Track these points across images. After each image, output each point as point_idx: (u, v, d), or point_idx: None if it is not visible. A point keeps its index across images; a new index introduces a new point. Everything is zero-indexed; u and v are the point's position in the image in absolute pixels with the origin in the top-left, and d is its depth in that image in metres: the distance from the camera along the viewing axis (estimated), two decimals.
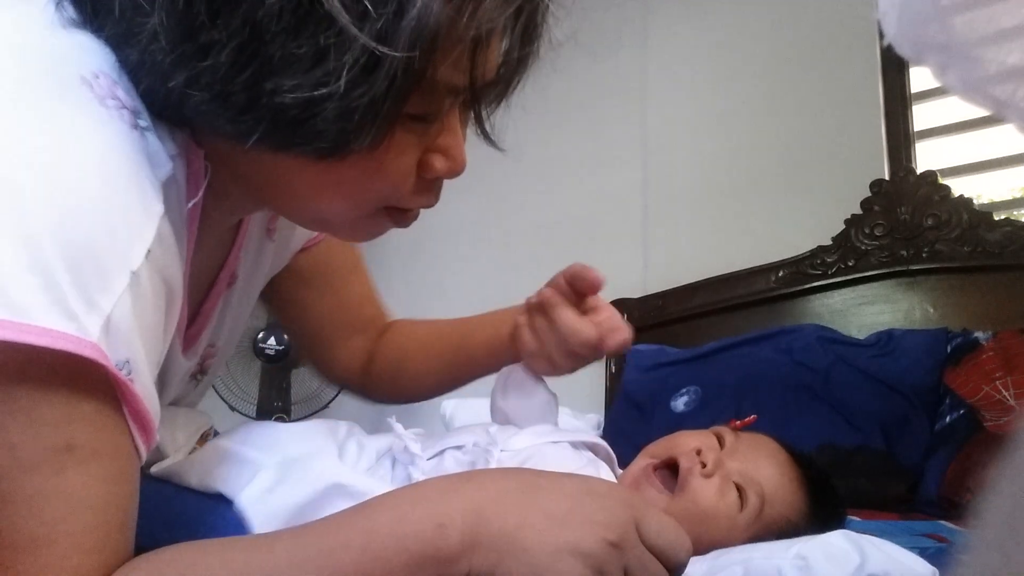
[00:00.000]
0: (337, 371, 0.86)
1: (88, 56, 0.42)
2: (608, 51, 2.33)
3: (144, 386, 0.41)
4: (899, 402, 1.41)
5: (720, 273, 1.90)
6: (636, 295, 2.04)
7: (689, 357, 1.77)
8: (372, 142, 0.44)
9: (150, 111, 0.44)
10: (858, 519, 1.00)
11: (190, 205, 0.47)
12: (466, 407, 1.25)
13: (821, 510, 0.69)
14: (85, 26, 0.43)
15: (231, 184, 0.51)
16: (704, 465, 0.66)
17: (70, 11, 0.43)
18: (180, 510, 0.55)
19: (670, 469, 0.68)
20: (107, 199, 0.38)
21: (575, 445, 0.69)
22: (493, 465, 0.63)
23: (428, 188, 0.51)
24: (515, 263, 2.34)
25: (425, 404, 0.88)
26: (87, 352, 0.36)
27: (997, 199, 1.78)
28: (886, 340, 1.54)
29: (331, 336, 0.83)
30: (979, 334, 1.43)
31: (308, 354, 0.86)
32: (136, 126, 0.42)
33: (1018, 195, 1.76)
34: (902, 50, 0.33)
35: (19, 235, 0.35)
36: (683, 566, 0.45)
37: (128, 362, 0.39)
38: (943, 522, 1.02)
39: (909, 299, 1.67)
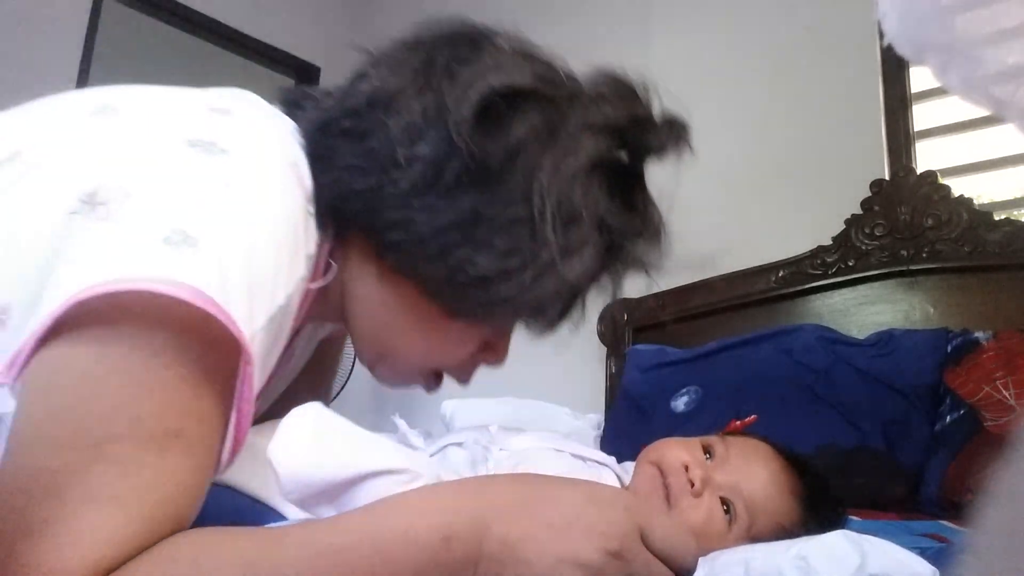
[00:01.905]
0: None
1: (290, 148, 0.52)
2: (609, 52, 2.32)
3: (253, 399, 0.45)
4: (899, 402, 1.41)
5: (720, 273, 1.90)
6: (636, 295, 2.04)
7: (689, 357, 1.77)
8: (495, 327, 0.57)
9: (329, 208, 0.53)
10: (858, 519, 1.00)
11: (313, 286, 0.54)
12: (466, 407, 1.25)
13: (817, 517, 0.68)
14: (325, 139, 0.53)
15: (339, 292, 0.59)
16: (693, 484, 0.65)
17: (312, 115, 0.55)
18: None
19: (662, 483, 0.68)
20: (284, 250, 0.47)
21: (577, 457, 0.69)
22: (492, 463, 0.63)
23: (471, 369, 0.62)
24: None
25: (426, 404, 0.88)
26: (245, 349, 0.42)
27: (997, 199, 1.78)
28: (886, 340, 1.54)
29: None
30: (979, 334, 1.43)
31: None
32: (307, 211, 0.51)
33: (1018, 195, 1.75)
34: (902, 50, 0.33)
35: (237, 248, 0.44)
36: (690, 570, 0.45)
37: (254, 376, 0.44)
38: (943, 522, 1.02)
39: (909, 299, 1.67)
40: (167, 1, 2.70)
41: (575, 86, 0.56)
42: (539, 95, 0.52)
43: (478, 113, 0.50)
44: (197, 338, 0.42)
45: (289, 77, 3.12)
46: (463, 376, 0.63)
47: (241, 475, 0.58)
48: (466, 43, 0.54)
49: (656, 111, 0.57)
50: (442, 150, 0.50)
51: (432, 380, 0.62)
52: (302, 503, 0.49)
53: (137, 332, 0.41)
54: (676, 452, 0.68)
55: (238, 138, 0.49)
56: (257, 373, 0.45)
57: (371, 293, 0.57)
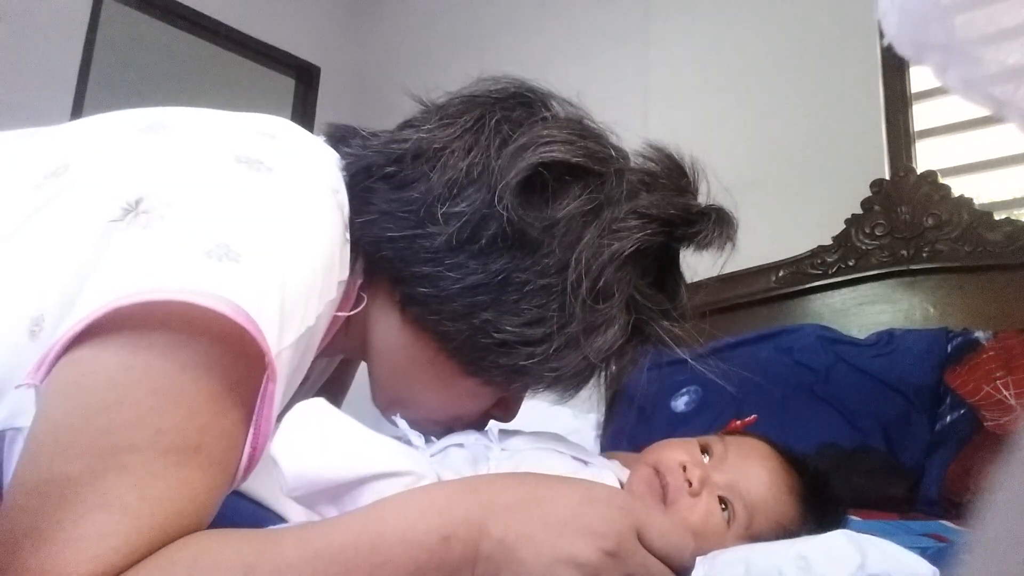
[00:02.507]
0: None
1: (332, 175, 0.53)
2: (609, 52, 2.33)
3: (273, 418, 0.45)
4: (899, 402, 1.41)
5: (720, 273, 1.90)
6: None
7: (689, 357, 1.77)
8: (514, 391, 0.57)
9: (362, 249, 0.54)
10: (858, 519, 1.00)
11: (341, 314, 0.54)
12: None
13: (817, 515, 0.68)
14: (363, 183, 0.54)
15: (360, 331, 0.59)
16: (690, 483, 0.65)
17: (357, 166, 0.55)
18: None
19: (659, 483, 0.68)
20: (320, 273, 0.47)
21: (577, 459, 0.69)
22: (492, 462, 0.63)
23: (482, 423, 0.63)
24: None
25: None
26: (272, 367, 0.42)
27: (997, 199, 1.78)
28: (886, 340, 1.54)
29: None
30: (979, 334, 1.43)
31: None
32: (344, 237, 0.51)
33: (1018, 195, 1.75)
34: (902, 50, 0.33)
35: (277, 266, 0.44)
36: (689, 569, 0.45)
37: (276, 395, 0.44)
38: (943, 522, 1.02)
39: (909, 299, 1.67)
40: (167, 1, 2.70)
41: (624, 163, 0.56)
42: (588, 172, 0.52)
43: (524, 183, 0.50)
44: (227, 352, 0.42)
45: (289, 77, 3.13)
46: (473, 428, 0.63)
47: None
48: (520, 105, 0.54)
49: (703, 198, 0.58)
50: (481, 211, 0.50)
51: (442, 429, 0.62)
52: (304, 500, 0.49)
53: (168, 343, 0.41)
54: (673, 453, 0.68)
55: (284, 159, 0.49)
56: (280, 392, 0.45)
57: (391, 339, 0.57)
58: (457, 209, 0.50)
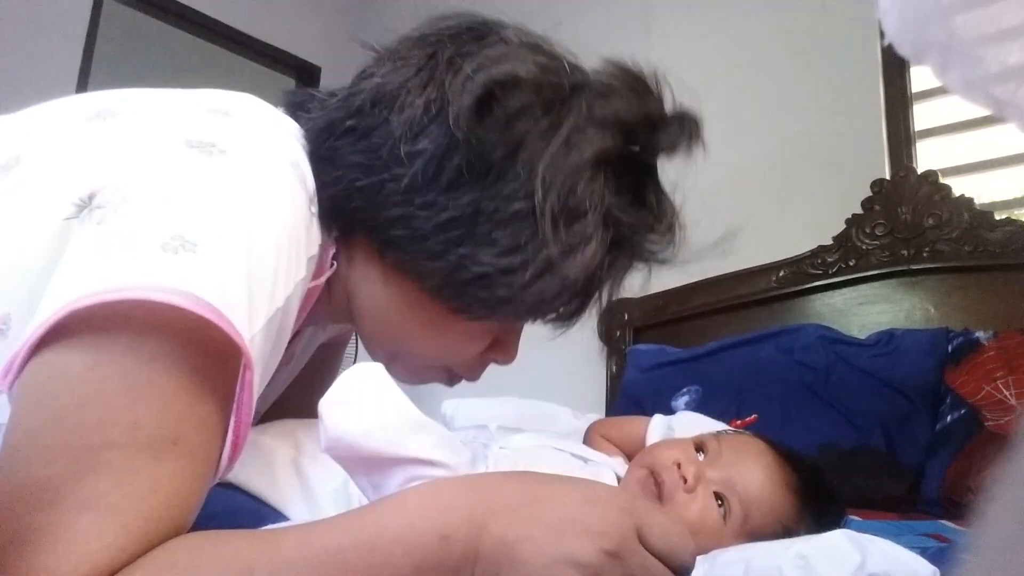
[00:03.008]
0: None
1: (291, 146, 0.52)
2: (608, 52, 2.33)
3: (253, 405, 0.45)
4: (900, 402, 1.41)
5: (720, 273, 1.90)
6: (636, 295, 2.04)
7: (689, 357, 1.77)
8: (503, 324, 0.56)
9: (324, 210, 0.53)
10: (858, 519, 1.00)
11: (312, 284, 0.54)
12: (466, 407, 1.25)
13: (814, 510, 0.68)
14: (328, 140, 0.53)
15: (343, 292, 0.58)
16: (685, 480, 0.65)
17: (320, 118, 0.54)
18: None
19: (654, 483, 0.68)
20: (284, 251, 0.46)
21: (576, 457, 0.69)
22: (491, 460, 0.63)
23: (481, 367, 0.62)
24: None
25: (426, 404, 0.88)
26: (245, 355, 0.41)
27: (997, 199, 1.78)
28: (887, 340, 1.54)
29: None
30: (980, 334, 1.43)
31: None
32: (309, 211, 0.51)
33: (1018, 195, 1.75)
34: (902, 50, 0.33)
35: (237, 251, 0.43)
36: (689, 569, 0.45)
37: (253, 381, 0.44)
38: (944, 522, 1.02)
39: (910, 299, 1.67)
40: (167, 1, 2.70)
41: (582, 77, 0.55)
42: (542, 86, 0.51)
43: (478, 104, 0.49)
44: (196, 344, 0.41)
45: (289, 77, 3.13)
46: (472, 374, 0.62)
47: (245, 474, 0.58)
48: (472, 37, 0.53)
49: (668, 105, 0.56)
50: (443, 145, 0.49)
51: (444, 376, 0.62)
52: (338, 460, 0.48)
53: (133, 339, 0.40)
54: (668, 452, 0.69)
55: (238, 139, 0.48)
56: (257, 377, 0.44)
57: (376, 294, 0.57)
58: (420, 147, 0.50)
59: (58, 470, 0.38)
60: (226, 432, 0.44)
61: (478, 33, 0.54)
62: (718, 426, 0.78)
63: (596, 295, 0.57)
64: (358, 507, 0.45)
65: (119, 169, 0.45)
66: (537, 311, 0.56)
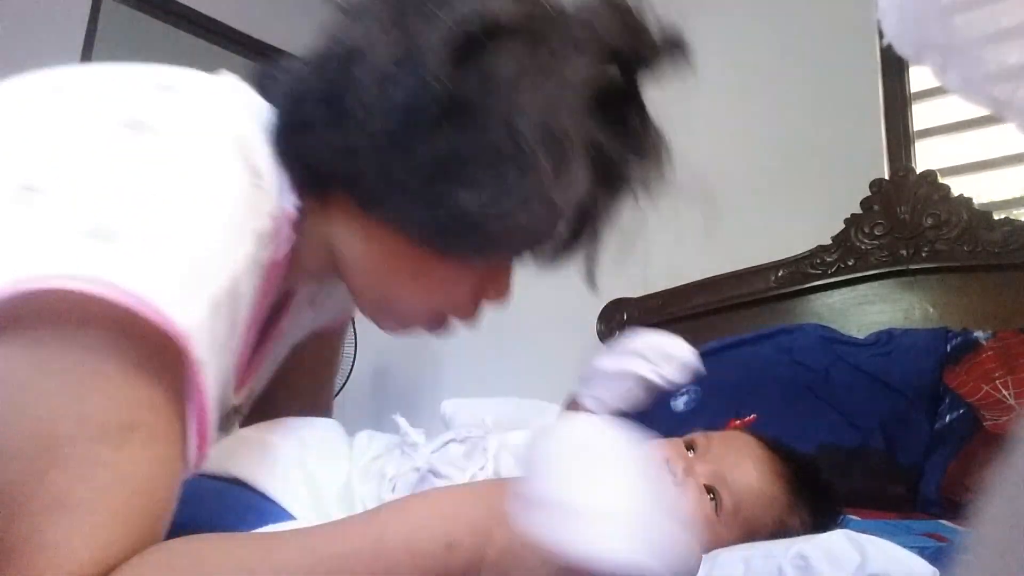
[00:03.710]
0: None
1: (242, 121, 0.50)
2: None
3: (212, 392, 0.43)
4: (899, 402, 1.41)
5: (720, 273, 1.90)
6: (636, 295, 2.04)
7: None
8: (492, 263, 0.55)
9: (300, 177, 0.52)
10: (858, 519, 1.00)
11: (275, 255, 0.52)
12: (466, 407, 1.25)
13: (807, 501, 0.69)
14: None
15: (320, 252, 0.57)
16: (674, 475, 0.66)
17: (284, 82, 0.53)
18: (196, 490, 0.56)
19: None
20: (220, 231, 0.45)
21: None
22: (490, 456, 0.63)
23: (476, 308, 0.60)
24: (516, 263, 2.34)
25: (425, 404, 0.88)
26: (175, 334, 0.40)
27: (997, 199, 1.78)
28: (886, 340, 1.54)
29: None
30: (979, 333, 1.43)
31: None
32: (256, 185, 0.49)
33: (1018, 195, 1.76)
34: (902, 50, 0.33)
35: (162, 236, 0.41)
36: (694, 570, 0.45)
37: (205, 365, 0.42)
38: (943, 522, 1.02)
39: (909, 299, 1.67)
40: (167, 1, 2.70)
41: (559, 7, 0.52)
42: (519, 23, 0.49)
43: (451, 45, 0.47)
44: (126, 333, 0.40)
45: None
46: (467, 317, 0.60)
47: (251, 471, 0.59)
48: None
49: (654, 29, 0.54)
50: (416, 94, 0.47)
51: (436, 323, 0.61)
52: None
53: (65, 332, 0.39)
54: (657, 451, 0.69)
55: (174, 116, 0.46)
56: (213, 361, 0.43)
57: (360, 251, 0.56)
58: (392, 99, 0.48)
59: (15, 475, 0.37)
60: (184, 417, 0.43)
61: None
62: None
63: (588, 229, 0.56)
64: (362, 512, 0.45)
65: (55, 151, 0.43)
66: (527, 247, 0.55)
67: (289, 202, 0.53)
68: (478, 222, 0.49)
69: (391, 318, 0.60)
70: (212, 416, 0.44)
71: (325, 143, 0.50)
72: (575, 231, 0.57)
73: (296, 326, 0.73)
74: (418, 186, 0.49)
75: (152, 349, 0.40)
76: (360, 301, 0.61)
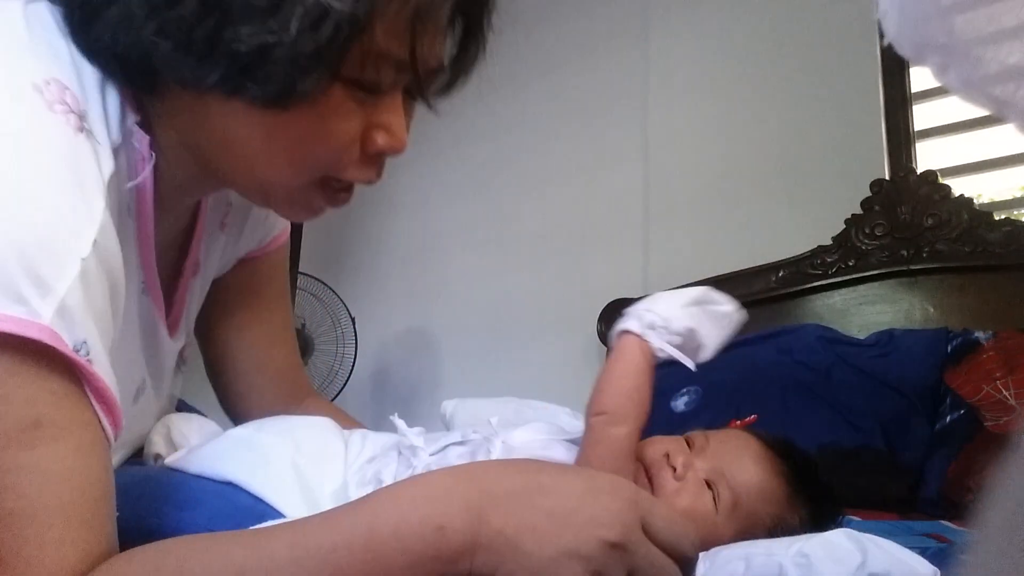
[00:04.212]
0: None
1: (42, 63, 0.47)
2: (609, 53, 2.33)
3: (103, 366, 0.43)
4: (899, 402, 1.41)
5: (720, 273, 1.90)
6: (636, 295, 2.04)
7: None
8: (315, 91, 0.49)
9: (122, 76, 0.49)
10: (858, 519, 1.00)
11: (131, 185, 0.51)
12: (466, 407, 1.25)
13: (806, 496, 0.69)
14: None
15: (183, 157, 0.55)
16: (674, 469, 0.66)
17: None
18: (190, 493, 0.56)
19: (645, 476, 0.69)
20: (51, 198, 0.42)
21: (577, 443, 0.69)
22: (494, 456, 0.63)
23: (371, 162, 0.56)
24: (517, 264, 2.34)
25: (425, 404, 0.88)
26: (34, 334, 0.39)
27: (997, 199, 1.78)
28: (886, 340, 1.54)
29: (251, 383, 0.82)
30: (979, 334, 1.43)
31: (225, 402, 0.85)
32: (82, 128, 0.46)
33: (1018, 195, 1.76)
34: (902, 50, 0.33)
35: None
36: (693, 560, 0.44)
37: (85, 343, 0.42)
38: (944, 522, 1.02)
39: (909, 299, 1.67)
40: None
41: None
42: None
43: None
44: None
45: None
46: (363, 173, 0.56)
47: (244, 472, 0.58)
48: None
49: None
50: None
51: (328, 189, 0.57)
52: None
53: None
54: (658, 446, 0.70)
55: None
56: (97, 329, 0.42)
57: (207, 135, 0.53)
58: None
59: None
60: (85, 396, 0.42)
61: None
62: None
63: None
64: (352, 501, 0.44)
65: None
66: (334, 66, 0.49)
67: (130, 120, 0.51)
68: (269, 52, 0.46)
69: (278, 198, 0.57)
70: (110, 385, 0.44)
71: (110, 24, 0.48)
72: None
73: (212, 253, 0.71)
74: (193, 38, 0.46)
75: (26, 348, 0.40)
76: (240, 190, 0.59)
